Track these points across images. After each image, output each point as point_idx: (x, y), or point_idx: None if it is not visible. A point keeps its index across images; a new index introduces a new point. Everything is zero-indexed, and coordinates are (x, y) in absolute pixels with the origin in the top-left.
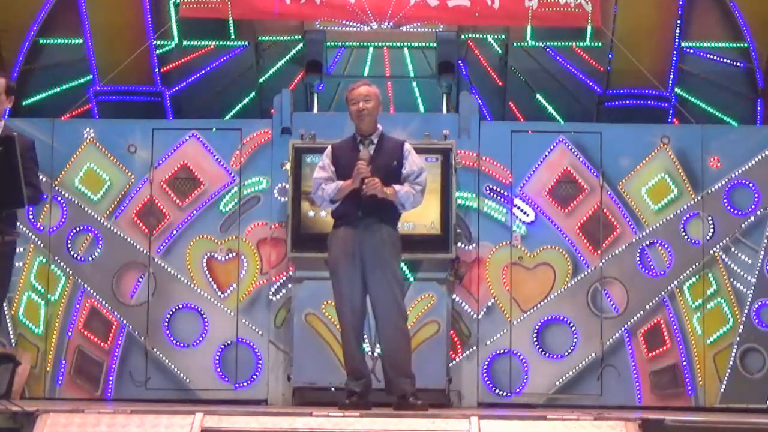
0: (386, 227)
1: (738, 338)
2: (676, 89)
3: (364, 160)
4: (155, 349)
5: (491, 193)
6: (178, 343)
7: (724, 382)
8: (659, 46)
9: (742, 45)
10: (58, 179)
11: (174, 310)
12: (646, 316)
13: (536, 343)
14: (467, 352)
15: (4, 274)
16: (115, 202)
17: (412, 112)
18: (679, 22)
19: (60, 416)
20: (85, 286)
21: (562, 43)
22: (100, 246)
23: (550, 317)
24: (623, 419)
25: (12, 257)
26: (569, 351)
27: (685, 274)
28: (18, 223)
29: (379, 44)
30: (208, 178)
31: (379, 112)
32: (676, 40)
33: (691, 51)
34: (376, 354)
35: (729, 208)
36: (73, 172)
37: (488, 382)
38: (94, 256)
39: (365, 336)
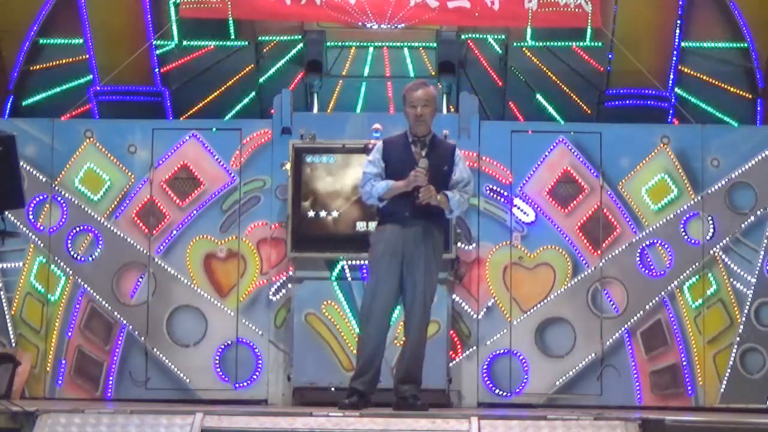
0: (435, 230)
1: (738, 338)
2: (676, 89)
3: (423, 169)
4: (155, 349)
5: (491, 193)
6: (178, 343)
7: (724, 382)
8: (659, 46)
9: (742, 45)
10: (58, 179)
11: (174, 310)
12: (646, 316)
13: (536, 343)
14: (467, 352)
15: None
16: (115, 202)
17: None
18: (679, 22)
19: (60, 416)
20: (85, 286)
21: (562, 43)
22: (100, 246)
23: (550, 317)
24: (623, 419)
25: None
26: (569, 351)
27: (685, 274)
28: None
29: (379, 44)
30: (208, 178)
31: (435, 115)
32: (676, 40)
33: (691, 51)
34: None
35: (729, 208)
36: (73, 172)
37: (488, 382)
38: (94, 256)
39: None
